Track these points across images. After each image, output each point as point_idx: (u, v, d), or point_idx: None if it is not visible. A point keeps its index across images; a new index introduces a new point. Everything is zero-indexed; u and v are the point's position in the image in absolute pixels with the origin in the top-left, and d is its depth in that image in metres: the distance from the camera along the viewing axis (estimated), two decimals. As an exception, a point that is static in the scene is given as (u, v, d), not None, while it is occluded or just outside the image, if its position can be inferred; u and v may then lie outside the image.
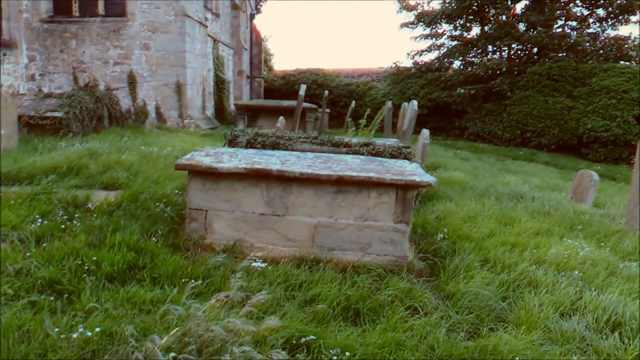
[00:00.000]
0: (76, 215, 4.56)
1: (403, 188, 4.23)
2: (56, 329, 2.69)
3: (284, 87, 25.52)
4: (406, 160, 5.35)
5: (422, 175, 4.37)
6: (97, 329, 2.67)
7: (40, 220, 4.32)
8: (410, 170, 4.54)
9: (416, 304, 3.51)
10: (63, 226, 4.26)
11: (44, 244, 3.86)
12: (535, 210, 6.76)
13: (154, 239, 4.15)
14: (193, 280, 3.41)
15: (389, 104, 15.31)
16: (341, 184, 4.20)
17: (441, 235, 4.98)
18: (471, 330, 3.28)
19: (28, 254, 3.64)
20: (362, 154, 5.99)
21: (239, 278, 2.54)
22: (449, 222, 5.51)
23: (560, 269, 4.33)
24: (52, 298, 3.13)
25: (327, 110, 19.10)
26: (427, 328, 3.15)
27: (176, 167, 4.20)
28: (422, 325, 3.19)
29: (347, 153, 5.98)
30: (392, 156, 6.00)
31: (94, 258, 3.55)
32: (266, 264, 3.79)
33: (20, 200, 4.88)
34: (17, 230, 4.07)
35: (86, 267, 3.46)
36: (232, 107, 18.56)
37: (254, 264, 3.79)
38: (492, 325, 3.36)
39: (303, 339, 2.80)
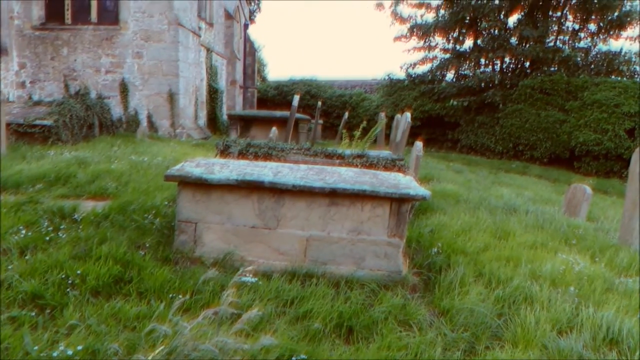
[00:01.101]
0: (62, 227, 4.44)
1: (397, 201, 4.15)
2: (36, 347, 2.57)
3: (277, 97, 25.53)
4: (400, 173, 5.28)
5: (416, 188, 4.30)
6: (80, 347, 2.56)
7: (24, 231, 4.19)
8: (405, 183, 4.47)
9: (410, 320, 3.43)
10: (48, 237, 4.12)
11: (27, 256, 3.73)
12: (529, 223, 6.71)
13: (141, 251, 4.03)
14: (181, 295, 3.31)
15: (382, 115, 15.33)
16: (335, 196, 4.11)
17: (435, 250, 4.89)
18: (467, 349, 3.19)
19: (10, 267, 3.51)
20: (356, 166, 5.93)
21: (229, 295, 2.42)
22: (443, 236, 5.42)
23: (556, 284, 4.26)
24: (34, 313, 3.01)
25: (320, 121, 19.09)
26: (422, 346, 3.06)
27: (166, 178, 4.10)
28: (417, 343, 3.10)
29: (340, 165, 5.91)
30: (386, 168, 5.95)
31: (79, 271, 3.43)
32: (257, 279, 3.69)
33: (4, 210, 4.74)
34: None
35: (70, 281, 3.34)
36: (225, 117, 18.49)
37: (244, 278, 3.68)
38: (488, 344, 3.27)
39: (294, 358, 2.70)
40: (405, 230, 4.29)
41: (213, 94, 17.86)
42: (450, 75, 23.93)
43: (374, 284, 3.96)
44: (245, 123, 14.66)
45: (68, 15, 14.67)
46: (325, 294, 3.57)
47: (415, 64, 24.41)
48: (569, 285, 4.22)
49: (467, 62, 23.41)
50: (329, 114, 23.97)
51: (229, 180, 4.04)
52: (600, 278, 4.51)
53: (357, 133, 8.08)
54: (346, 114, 19.57)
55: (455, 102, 21.10)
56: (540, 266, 4.58)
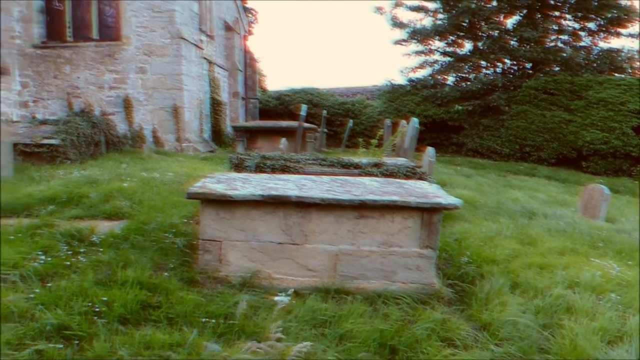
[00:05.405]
0: (81, 250, 4.28)
1: (429, 211, 4.00)
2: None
3: (279, 107, 25.39)
4: (425, 181, 5.13)
5: (447, 197, 4.16)
6: (115, 382, 2.40)
7: (43, 257, 4.03)
8: (433, 192, 4.33)
9: (454, 336, 3.27)
10: (68, 262, 3.97)
11: (49, 284, 3.57)
12: (552, 228, 6.56)
13: (165, 273, 3.88)
14: (213, 320, 3.16)
15: (388, 122, 15.23)
16: (364, 209, 3.96)
17: (465, 259, 4.75)
18: (518, 366, 3.03)
19: (32, 296, 3.35)
20: (376, 175, 5.78)
21: (278, 327, 2.26)
22: (470, 244, 5.28)
23: (596, 291, 4.10)
24: (62, 345, 2.85)
25: (325, 130, 18.99)
26: (473, 365, 2.89)
27: (188, 196, 3.95)
28: (466, 361, 2.94)
29: (360, 175, 5.77)
30: (407, 177, 5.81)
31: (104, 298, 3.27)
32: (289, 298, 3.54)
33: (20, 234, 4.59)
34: (19, 269, 3.78)
35: (96, 309, 3.18)
36: (229, 129, 18.36)
37: (276, 298, 3.54)
38: (538, 359, 3.11)
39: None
40: (438, 241, 4.13)
41: (217, 106, 17.73)
42: (451, 79, 23.85)
43: (409, 298, 3.80)
44: (252, 134, 14.55)
45: (69, 32, 14.60)
46: (363, 312, 3.41)
47: (415, 69, 24.35)
48: (610, 292, 4.07)
49: (468, 65, 23.32)
50: (332, 122, 23.78)
51: (254, 196, 3.89)
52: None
53: (375, 141, 7.93)
54: (351, 122, 19.49)
55: (460, 107, 20.96)
56: (577, 273, 4.42)
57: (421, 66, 24.30)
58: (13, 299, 3.24)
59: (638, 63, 21.17)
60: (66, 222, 5.17)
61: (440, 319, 3.44)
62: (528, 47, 21.14)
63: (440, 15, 23.47)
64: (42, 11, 14.57)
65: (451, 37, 23.62)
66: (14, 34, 14.31)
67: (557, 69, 21.40)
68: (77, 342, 2.92)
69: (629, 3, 20.73)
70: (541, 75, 20.93)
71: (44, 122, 10.93)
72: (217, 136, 17.63)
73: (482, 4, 21.88)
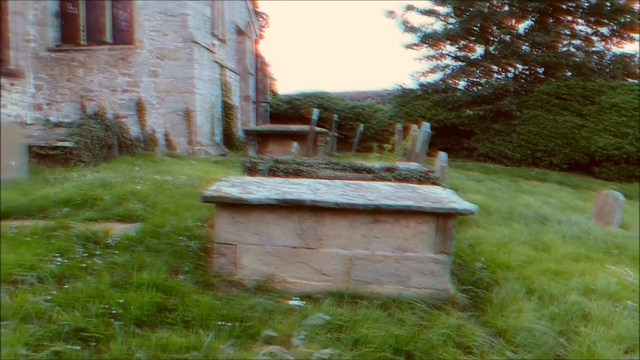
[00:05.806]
0: (96, 252, 4.31)
1: (444, 217, 3.99)
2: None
3: (289, 111, 25.46)
4: (439, 186, 5.12)
5: (461, 202, 4.14)
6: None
7: (59, 258, 4.07)
8: (448, 198, 4.31)
9: (470, 343, 3.25)
10: (84, 264, 4.00)
11: (66, 286, 3.60)
12: (566, 234, 6.51)
13: (180, 276, 3.89)
14: (229, 323, 3.16)
15: (399, 126, 15.22)
16: (378, 213, 3.96)
17: (479, 265, 4.72)
18: (535, 374, 3.00)
19: (49, 297, 3.38)
20: (389, 180, 5.77)
21: (295, 332, 2.26)
22: (484, 250, 5.25)
23: (612, 299, 4.06)
24: (79, 347, 2.87)
25: (336, 134, 19.00)
26: (490, 372, 2.87)
27: (204, 199, 3.97)
28: (482, 368, 2.92)
29: (373, 179, 5.76)
30: (420, 182, 5.80)
31: (121, 300, 3.29)
32: (304, 302, 3.54)
33: (36, 236, 4.64)
34: (36, 270, 3.81)
35: (113, 311, 3.20)
36: (240, 133, 18.44)
37: (291, 302, 3.54)
38: (555, 366, 3.08)
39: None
40: (452, 246, 4.11)
41: (228, 110, 17.81)
42: (462, 84, 23.82)
43: (424, 303, 3.79)
44: (263, 138, 14.62)
45: (83, 36, 14.76)
46: (378, 317, 3.40)
47: (426, 73, 24.35)
48: (626, 300, 4.03)
49: (480, 69, 23.27)
50: (342, 126, 23.79)
51: (269, 200, 3.90)
52: (656, 291, 4.31)
53: (388, 146, 7.92)
54: (362, 126, 19.48)
55: (471, 112, 20.91)
56: (592, 280, 4.39)
57: (432, 70, 24.33)
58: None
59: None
60: (81, 224, 5.21)
61: (456, 324, 3.43)
62: (540, 51, 21.08)
63: (451, 20, 23.50)
64: (56, 15, 14.74)
65: (462, 42, 23.63)
66: (28, 37, 14.48)
67: (570, 73, 21.32)
68: (94, 344, 2.94)
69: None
70: (553, 80, 20.84)
71: (58, 125, 11.04)
72: (229, 140, 17.70)
73: (494, 8, 21.85)
